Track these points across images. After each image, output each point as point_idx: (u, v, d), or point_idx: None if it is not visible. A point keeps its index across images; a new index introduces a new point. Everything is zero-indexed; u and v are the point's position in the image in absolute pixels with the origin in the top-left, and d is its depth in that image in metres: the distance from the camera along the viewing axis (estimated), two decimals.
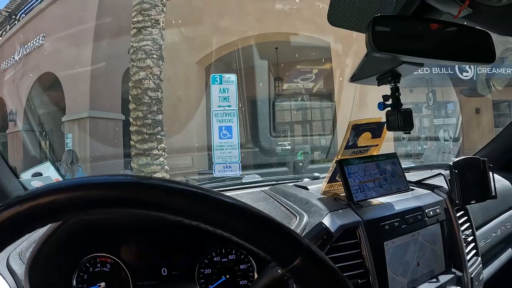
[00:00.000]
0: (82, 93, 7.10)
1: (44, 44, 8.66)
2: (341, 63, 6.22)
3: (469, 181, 1.11)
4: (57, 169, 5.30)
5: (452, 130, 7.15)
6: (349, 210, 0.95)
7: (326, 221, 0.89)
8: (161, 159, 4.90)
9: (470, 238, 1.16)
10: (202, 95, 6.64)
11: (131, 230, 0.93)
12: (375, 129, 1.05)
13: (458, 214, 1.14)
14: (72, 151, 5.73)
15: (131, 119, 5.02)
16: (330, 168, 1.06)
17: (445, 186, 1.16)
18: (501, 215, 1.48)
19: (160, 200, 0.40)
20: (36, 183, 0.95)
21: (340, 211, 0.94)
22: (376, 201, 1.04)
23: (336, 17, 0.88)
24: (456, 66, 6.78)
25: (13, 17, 12.18)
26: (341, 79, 6.27)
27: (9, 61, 10.23)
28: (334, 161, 1.03)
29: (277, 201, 1.11)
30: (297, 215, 0.96)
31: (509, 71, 7.34)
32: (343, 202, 1.00)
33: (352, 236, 0.90)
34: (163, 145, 4.94)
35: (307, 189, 1.19)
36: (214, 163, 4.31)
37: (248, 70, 6.95)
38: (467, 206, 1.17)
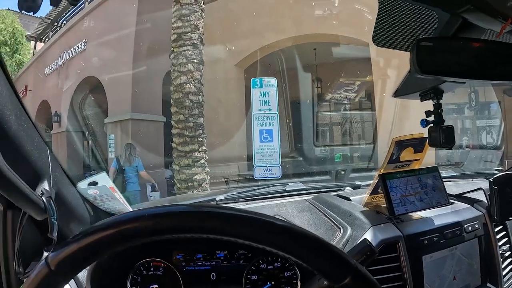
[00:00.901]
0: (124, 96, 7.39)
1: (86, 49, 9.08)
2: (381, 68, 6.09)
3: (508, 197, 1.11)
4: (120, 171, 5.84)
5: (495, 132, 6.86)
6: (391, 225, 0.99)
7: (369, 235, 0.94)
8: (202, 161, 5.04)
9: (507, 254, 1.16)
10: (241, 98, 6.74)
11: (184, 237, 1.00)
12: (418, 144, 1.08)
13: (496, 229, 1.14)
14: (130, 144, 6.11)
15: (172, 122, 5.19)
16: (373, 181, 1.10)
17: (485, 200, 1.17)
18: None
19: (234, 229, 0.50)
20: (93, 192, 0.99)
21: (382, 225, 0.98)
22: (416, 215, 1.06)
23: (381, 38, 0.91)
24: None
25: (55, 24, 12.83)
26: (380, 85, 6.15)
27: (53, 66, 10.78)
28: (377, 174, 1.07)
29: (321, 212, 1.16)
30: (341, 228, 1.01)
31: None
32: (384, 216, 1.03)
33: (392, 249, 0.94)
34: (204, 147, 5.08)
35: (350, 200, 1.23)
36: (255, 166, 4.38)
37: (288, 72, 6.99)
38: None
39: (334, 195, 1.33)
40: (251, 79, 4.57)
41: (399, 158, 1.07)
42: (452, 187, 1.46)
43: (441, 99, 0.93)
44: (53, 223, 0.75)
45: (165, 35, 5.82)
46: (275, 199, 1.42)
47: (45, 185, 0.76)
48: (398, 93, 1.04)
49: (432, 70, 0.71)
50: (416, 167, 1.12)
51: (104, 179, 1.00)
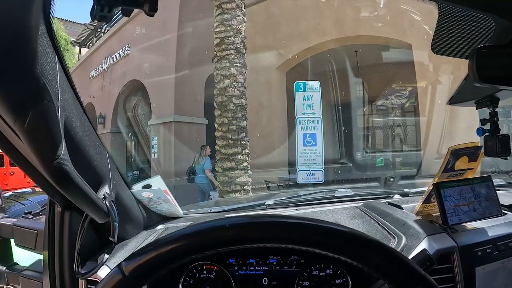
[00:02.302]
0: (167, 99, 7.64)
1: (130, 54, 9.48)
2: (428, 72, 5.89)
3: None
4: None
5: None
6: (445, 235, 0.96)
7: (424, 245, 0.92)
8: (245, 164, 5.11)
9: None
10: (283, 101, 6.76)
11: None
12: (473, 153, 1.04)
13: None
14: (202, 146, 6.58)
15: (216, 125, 5.30)
16: (427, 190, 1.08)
17: None
18: None
19: (310, 238, 0.56)
20: (147, 194, 1.03)
21: (437, 235, 0.96)
22: (470, 225, 1.03)
23: (440, 45, 0.90)
24: None
25: (99, 30, 13.47)
26: (430, 91, 5.95)
27: (97, 70, 11.35)
28: (431, 184, 1.05)
29: (374, 220, 1.14)
30: (395, 237, 1.00)
31: None
32: (438, 226, 1.01)
33: (446, 260, 0.92)
34: (247, 150, 5.14)
35: (401, 208, 1.20)
36: (298, 169, 4.39)
37: (333, 75, 6.94)
38: None
39: (385, 202, 1.31)
40: (295, 83, 4.57)
41: (453, 167, 1.04)
42: (502, 197, 1.43)
43: (497, 107, 0.91)
44: (115, 226, 0.81)
45: (206, 40, 5.96)
46: (324, 205, 1.42)
47: (107, 189, 0.81)
48: (453, 101, 1.02)
49: (491, 78, 0.71)
50: (470, 176, 1.09)
51: (158, 182, 1.05)
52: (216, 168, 5.34)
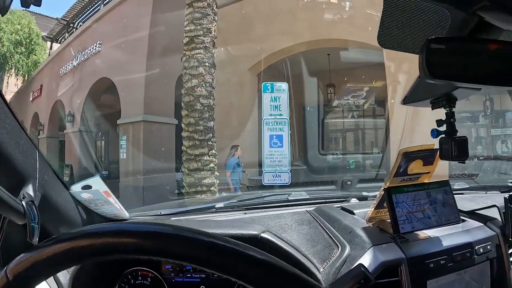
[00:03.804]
0: (137, 98, 7.45)
1: (101, 51, 9.22)
2: (394, 73, 6.00)
3: None
4: None
5: (510, 142, 6.69)
6: (393, 245, 0.91)
7: (368, 256, 0.87)
8: (212, 165, 5.02)
9: None
10: (254, 102, 6.72)
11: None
12: (427, 156, 1.00)
13: (510, 251, 1.06)
14: (233, 146, 6.21)
15: (183, 125, 5.20)
16: (378, 195, 1.03)
17: (499, 219, 1.08)
18: None
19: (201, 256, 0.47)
20: (86, 196, 0.98)
21: (384, 245, 0.91)
22: (423, 234, 0.99)
23: (387, 38, 0.83)
24: None
25: (71, 25, 13.08)
26: (394, 94, 6.04)
27: (68, 67, 10.98)
28: (382, 188, 1.01)
29: (321, 226, 1.10)
30: (339, 246, 0.95)
31: None
32: (388, 234, 0.96)
33: (394, 273, 0.86)
34: (213, 151, 5.07)
35: (353, 213, 1.17)
36: (264, 171, 4.37)
37: (299, 77, 6.95)
38: None
39: (338, 207, 1.27)
40: (262, 83, 4.56)
41: (406, 171, 1.00)
42: (465, 201, 1.39)
43: (454, 107, 0.85)
44: (33, 228, 0.73)
45: (178, 38, 5.86)
46: (277, 208, 1.38)
47: (29, 189, 0.75)
48: (407, 100, 0.95)
49: (443, 74, 0.65)
50: (426, 181, 1.05)
51: (97, 183, 0.99)
52: (183, 169, 5.23)
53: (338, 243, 0.97)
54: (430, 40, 0.64)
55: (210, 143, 5.06)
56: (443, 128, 0.88)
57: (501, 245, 1.03)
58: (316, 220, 1.15)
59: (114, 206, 1.08)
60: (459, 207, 1.22)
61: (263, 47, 6.63)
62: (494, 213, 1.12)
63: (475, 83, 0.67)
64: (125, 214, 1.17)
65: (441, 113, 0.91)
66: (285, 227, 1.11)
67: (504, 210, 1.04)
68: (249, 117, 6.53)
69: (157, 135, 7.31)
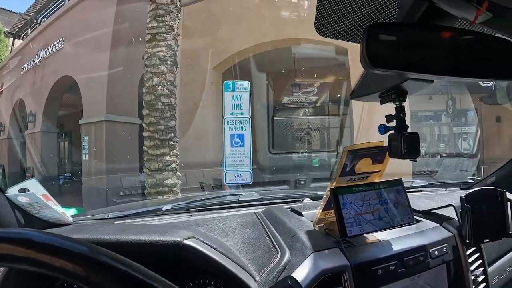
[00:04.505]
0: (99, 97, 7.21)
1: (64, 48, 8.87)
2: (358, 71, 6.08)
3: (483, 216, 0.98)
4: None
5: (471, 140, 6.92)
6: (337, 251, 0.84)
7: (308, 263, 0.80)
8: (173, 165, 4.89)
9: (480, 278, 1.03)
10: (219, 101, 6.61)
11: None
12: (376, 154, 0.93)
13: (468, 252, 1.02)
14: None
15: (144, 125, 5.05)
16: (325, 196, 0.95)
17: (456, 218, 1.04)
18: None
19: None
20: (24, 199, 0.94)
21: (326, 251, 0.84)
22: (372, 237, 0.92)
23: (326, 26, 0.75)
24: None
25: (34, 20, 12.55)
26: (346, 88, 6.09)
27: (30, 64, 10.54)
28: (328, 189, 0.93)
29: (265, 229, 1.03)
30: (279, 251, 0.88)
31: None
32: (333, 239, 0.89)
33: (337, 282, 0.79)
34: (175, 151, 4.94)
35: (302, 215, 1.10)
36: (225, 171, 4.29)
37: (268, 77, 6.89)
38: None
39: (288, 208, 1.21)
40: (224, 82, 4.48)
41: (354, 170, 0.93)
42: (423, 199, 1.37)
43: (404, 101, 0.78)
44: None
45: (143, 36, 5.69)
46: (227, 210, 1.32)
47: None
48: (355, 95, 0.87)
49: (386, 64, 0.58)
50: (376, 180, 0.98)
51: (34, 186, 0.95)
52: (144, 170, 5.07)
53: (278, 248, 0.89)
54: (371, 26, 0.57)
55: (171, 143, 4.92)
56: (393, 124, 0.80)
57: (458, 246, 0.99)
58: (262, 223, 1.08)
59: (55, 210, 1.03)
60: (416, 206, 1.18)
61: (228, 46, 6.55)
62: (451, 213, 1.08)
63: (423, 73, 0.61)
64: (68, 218, 1.11)
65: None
66: (228, 230, 1.04)
67: (460, 210, 1.00)
68: (213, 116, 6.41)
69: (120, 135, 7.09)
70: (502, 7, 0.58)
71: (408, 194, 1.51)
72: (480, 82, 6.81)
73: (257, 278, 0.82)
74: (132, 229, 0.94)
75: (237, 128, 4.38)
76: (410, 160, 0.76)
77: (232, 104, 4.37)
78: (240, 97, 4.39)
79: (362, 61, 0.57)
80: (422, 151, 7.16)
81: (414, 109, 6.38)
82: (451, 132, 7.23)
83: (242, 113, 4.37)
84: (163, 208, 1.32)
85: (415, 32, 0.61)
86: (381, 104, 0.83)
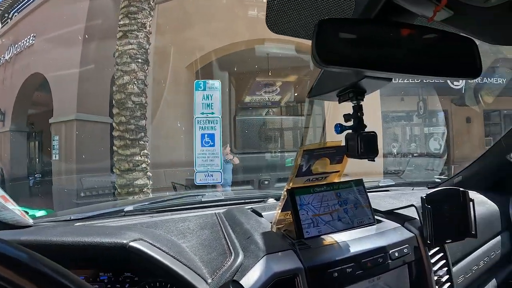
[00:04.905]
0: (70, 95, 7.00)
1: (35, 44, 8.59)
2: None
3: (445, 217, 0.98)
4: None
5: (441, 139, 7.10)
6: (291, 253, 0.82)
7: (260, 266, 0.78)
8: (144, 165, 4.79)
9: (444, 278, 1.01)
10: (191, 100, 6.55)
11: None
12: (334, 154, 0.91)
13: (431, 252, 1.00)
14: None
15: (114, 124, 4.93)
16: (282, 197, 0.93)
17: (419, 218, 1.03)
18: (485, 244, 1.32)
19: None
20: None
21: (280, 254, 0.81)
22: (330, 239, 0.90)
23: (278, 22, 0.73)
24: None
25: (6, 15, 12.11)
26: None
27: None
28: (284, 189, 0.91)
29: (222, 231, 1.01)
30: (233, 253, 0.86)
31: (500, 81, 7.29)
32: (289, 241, 0.87)
33: (290, 285, 0.77)
34: (146, 151, 4.84)
35: (261, 216, 1.08)
36: (196, 171, 4.26)
37: (241, 76, 6.85)
38: None
39: (249, 208, 1.19)
40: (195, 81, 4.44)
41: (311, 170, 0.91)
42: (388, 199, 1.37)
43: (362, 100, 0.76)
44: None
45: (115, 33, 5.56)
46: (189, 210, 1.30)
47: None
48: (312, 93, 0.84)
49: (337, 60, 0.55)
50: (335, 180, 0.96)
51: None
52: (114, 170, 4.95)
53: (232, 250, 0.87)
54: (322, 21, 0.54)
55: (141, 142, 4.82)
56: (351, 123, 0.78)
57: (420, 247, 0.97)
58: (220, 224, 1.06)
59: (14, 212, 1.00)
60: (381, 206, 1.18)
61: (201, 45, 6.48)
62: (414, 213, 1.06)
63: (378, 70, 0.58)
64: (28, 220, 1.07)
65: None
66: (186, 232, 1.01)
67: (422, 211, 0.98)
68: (186, 116, 6.34)
69: (90, 135, 6.91)
70: (463, 5, 0.57)
71: (374, 194, 1.54)
72: (450, 84, 7.00)
73: (209, 280, 0.81)
74: (84, 231, 0.92)
75: (207, 127, 4.35)
76: (368, 160, 0.74)
77: (203, 103, 4.34)
78: (211, 97, 4.36)
79: (312, 58, 0.55)
80: (394, 150, 7.35)
81: (385, 110, 6.50)
82: (422, 132, 7.41)
83: (212, 113, 4.34)
84: (124, 209, 1.29)
85: (370, 28, 0.59)
86: (339, 103, 0.81)
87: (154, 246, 0.83)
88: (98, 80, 6.85)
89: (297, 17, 0.72)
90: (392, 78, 0.70)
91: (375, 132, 0.74)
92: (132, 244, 0.80)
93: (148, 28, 5.30)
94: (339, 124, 0.78)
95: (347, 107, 0.78)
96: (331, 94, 0.79)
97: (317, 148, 0.89)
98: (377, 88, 0.74)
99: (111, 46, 5.97)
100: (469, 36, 0.64)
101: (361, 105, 0.75)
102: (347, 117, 0.77)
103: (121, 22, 5.23)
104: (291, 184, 0.90)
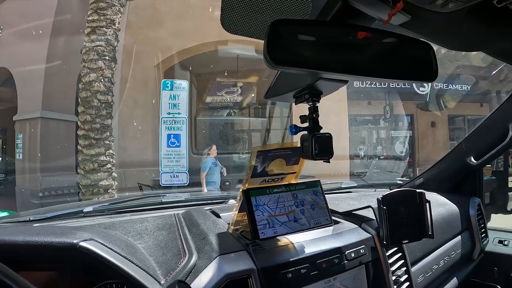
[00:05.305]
0: (35, 92, 6.74)
1: (1, 37, 8.23)
2: None
3: (401, 217, 0.98)
4: None
5: (406, 142, 7.31)
6: (244, 254, 0.81)
7: (213, 267, 0.77)
8: (109, 165, 4.70)
9: (403, 278, 1.02)
10: (159, 100, 6.47)
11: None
12: (290, 155, 0.91)
13: (389, 252, 1.02)
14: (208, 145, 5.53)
15: (79, 123, 4.81)
16: (238, 198, 0.93)
17: (376, 219, 1.04)
18: (445, 243, 1.35)
19: None
20: None
21: (233, 255, 0.81)
22: (285, 240, 0.90)
23: (233, 22, 0.73)
24: None
25: None
26: None
27: None
28: (240, 190, 0.91)
29: (179, 232, 1.00)
30: (187, 254, 0.86)
31: (464, 88, 7.60)
32: (244, 241, 0.87)
33: (242, 287, 0.77)
34: (111, 151, 4.75)
35: (219, 216, 1.08)
36: (161, 172, 4.21)
37: (210, 76, 6.81)
38: None
39: (208, 209, 1.19)
40: (162, 81, 4.39)
41: (266, 171, 0.91)
42: (350, 200, 1.39)
43: (318, 101, 0.77)
44: None
45: (83, 29, 5.42)
46: (149, 211, 1.30)
47: None
48: (269, 94, 0.85)
49: (289, 61, 0.55)
50: (293, 181, 0.96)
51: None
52: (79, 170, 4.83)
53: (187, 251, 0.86)
54: (275, 22, 0.54)
55: (107, 142, 4.74)
56: (306, 124, 0.79)
57: (377, 247, 0.98)
58: (177, 225, 1.05)
59: None
60: (341, 208, 1.19)
61: (171, 44, 6.42)
62: (372, 214, 1.07)
63: (331, 72, 0.59)
64: None
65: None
66: (143, 233, 1.00)
67: (378, 211, 0.99)
68: (154, 116, 6.26)
69: (55, 134, 6.68)
70: (420, 9, 0.57)
71: (335, 195, 1.57)
72: (416, 89, 7.25)
73: (162, 282, 0.80)
74: (36, 231, 0.88)
75: (173, 128, 4.32)
76: (324, 161, 0.75)
77: (169, 103, 4.30)
78: (178, 97, 4.33)
79: (264, 58, 0.54)
80: (361, 153, 7.53)
81: (352, 113, 6.65)
82: (388, 136, 7.61)
83: (179, 113, 4.31)
84: (84, 210, 1.27)
85: (324, 30, 0.59)
86: (296, 104, 0.82)
87: (106, 246, 0.82)
88: (64, 77, 6.63)
89: (253, 17, 0.71)
90: (347, 81, 0.71)
91: (330, 134, 0.75)
92: (82, 244, 0.78)
93: (117, 25, 5.22)
94: (294, 125, 0.79)
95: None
96: (288, 96, 0.80)
97: (272, 149, 0.89)
98: (333, 90, 0.75)
99: (80, 42, 5.82)
100: (426, 40, 0.65)
101: (317, 106, 0.77)
102: (303, 119, 0.79)
103: (90, 18, 5.13)
104: (246, 185, 0.90)
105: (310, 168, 1.72)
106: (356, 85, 6.61)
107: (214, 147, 5.57)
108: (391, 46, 0.61)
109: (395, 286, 0.98)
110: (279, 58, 0.54)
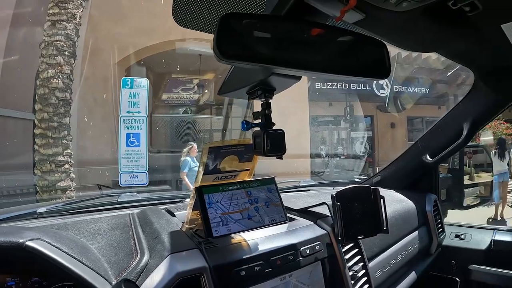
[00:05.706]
0: None
1: None
2: None
3: (356, 213, 0.99)
4: None
5: (366, 142, 7.57)
6: (196, 252, 0.80)
7: (164, 265, 0.76)
8: (67, 166, 4.59)
9: (360, 273, 1.03)
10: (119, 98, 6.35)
11: None
12: (243, 152, 0.90)
13: (346, 248, 1.03)
14: (189, 144, 5.34)
15: (36, 121, 4.66)
16: (191, 195, 0.92)
17: (331, 215, 1.04)
18: (403, 238, 1.37)
19: None
20: None
21: (184, 253, 0.80)
22: (239, 237, 0.89)
23: (185, 15, 0.73)
24: (374, 83, 7.14)
25: None
26: None
27: None
28: (192, 188, 0.90)
29: (132, 231, 0.99)
30: (139, 253, 0.85)
31: (423, 91, 7.97)
32: (198, 239, 0.86)
33: (194, 285, 0.75)
34: (69, 150, 4.63)
35: (174, 215, 1.08)
36: (120, 172, 4.17)
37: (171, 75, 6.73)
38: None
39: (163, 208, 1.18)
40: (122, 79, 4.34)
41: (218, 168, 0.89)
42: (308, 198, 1.40)
43: (271, 98, 0.76)
44: None
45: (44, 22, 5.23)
46: (104, 211, 1.28)
47: None
48: (223, 90, 0.83)
49: (238, 55, 0.54)
50: (246, 179, 0.95)
51: None
52: (36, 171, 4.69)
53: (139, 250, 0.85)
54: (225, 16, 0.54)
55: (65, 141, 4.62)
56: (258, 120, 0.78)
57: (332, 243, 0.98)
58: (131, 224, 1.04)
59: None
60: (298, 205, 1.19)
61: (134, 41, 6.30)
62: (328, 211, 1.06)
63: (281, 66, 0.59)
64: None
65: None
66: (97, 233, 0.98)
67: (332, 208, 0.99)
68: (114, 115, 6.14)
69: (12, 132, 6.39)
70: (375, 8, 0.59)
71: (293, 193, 1.60)
72: (376, 91, 7.54)
73: (113, 282, 0.79)
74: None
75: (133, 127, 4.28)
76: (276, 158, 0.74)
77: (129, 101, 4.26)
78: (138, 95, 4.30)
79: (213, 51, 0.53)
80: (322, 152, 7.75)
81: (314, 114, 6.82)
82: (348, 136, 7.86)
83: (139, 112, 4.27)
84: (37, 211, 1.24)
85: (276, 24, 0.58)
86: (249, 100, 0.81)
87: (54, 246, 0.80)
88: (22, 73, 6.35)
89: (205, 11, 0.71)
90: (301, 77, 0.71)
91: (282, 130, 0.74)
92: (28, 243, 0.76)
93: (78, 20, 5.09)
94: (246, 121, 0.79)
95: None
96: (241, 91, 0.79)
97: (224, 146, 0.87)
98: (286, 86, 0.74)
99: (39, 36, 5.62)
100: (379, 39, 0.66)
101: (270, 103, 0.76)
102: (256, 115, 0.78)
103: (50, 11, 4.98)
104: (199, 182, 0.89)
105: (270, 167, 1.74)
106: (317, 86, 6.80)
107: (194, 146, 5.48)
108: (345, 44, 0.62)
109: (352, 282, 0.99)
110: (229, 52, 0.53)
